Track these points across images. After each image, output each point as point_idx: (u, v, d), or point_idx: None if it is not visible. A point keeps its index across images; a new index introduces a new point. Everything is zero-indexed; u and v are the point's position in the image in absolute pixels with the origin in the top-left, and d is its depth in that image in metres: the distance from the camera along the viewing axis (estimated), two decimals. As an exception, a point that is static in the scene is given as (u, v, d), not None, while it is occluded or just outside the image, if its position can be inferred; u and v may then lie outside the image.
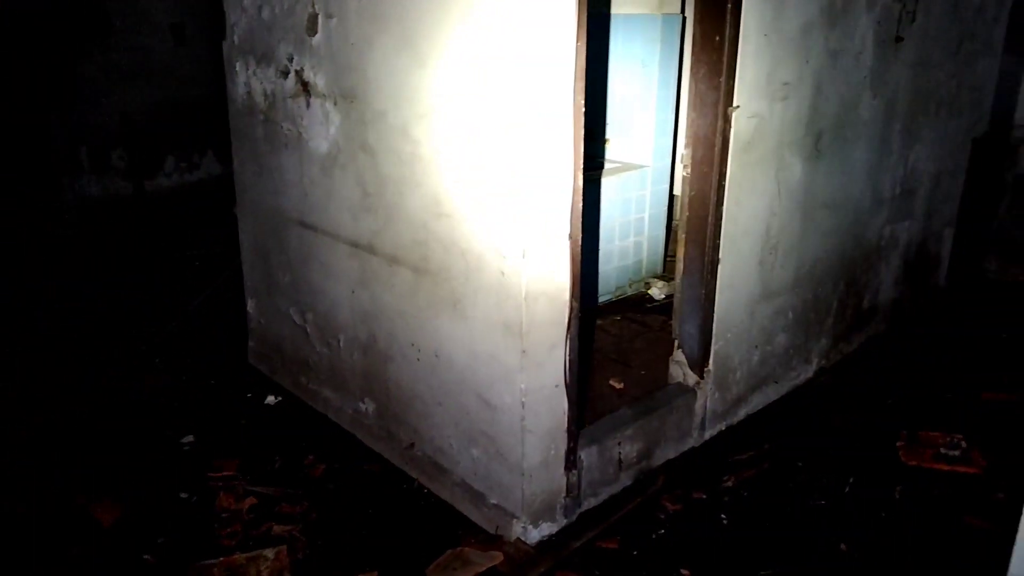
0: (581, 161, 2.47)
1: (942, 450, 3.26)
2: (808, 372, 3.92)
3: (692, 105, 3.07)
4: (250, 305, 4.02)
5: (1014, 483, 3.08)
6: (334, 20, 2.92)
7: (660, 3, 4.79)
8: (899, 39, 3.72)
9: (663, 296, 4.45)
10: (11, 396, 3.75)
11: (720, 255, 3.15)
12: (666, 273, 4.71)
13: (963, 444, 3.28)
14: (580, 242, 2.56)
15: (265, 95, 3.43)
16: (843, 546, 2.79)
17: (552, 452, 2.73)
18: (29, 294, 5.06)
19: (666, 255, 4.80)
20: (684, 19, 4.54)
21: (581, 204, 2.52)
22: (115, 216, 6.67)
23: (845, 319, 4.07)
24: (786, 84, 3.20)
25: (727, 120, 3.00)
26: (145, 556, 2.71)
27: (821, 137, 3.48)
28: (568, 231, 2.50)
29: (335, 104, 3.04)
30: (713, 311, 3.21)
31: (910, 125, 4.05)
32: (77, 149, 6.53)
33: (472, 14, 2.35)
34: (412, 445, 3.13)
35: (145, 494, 3.04)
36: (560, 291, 2.55)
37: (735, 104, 2.99)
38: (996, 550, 2.73)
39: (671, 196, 4.78)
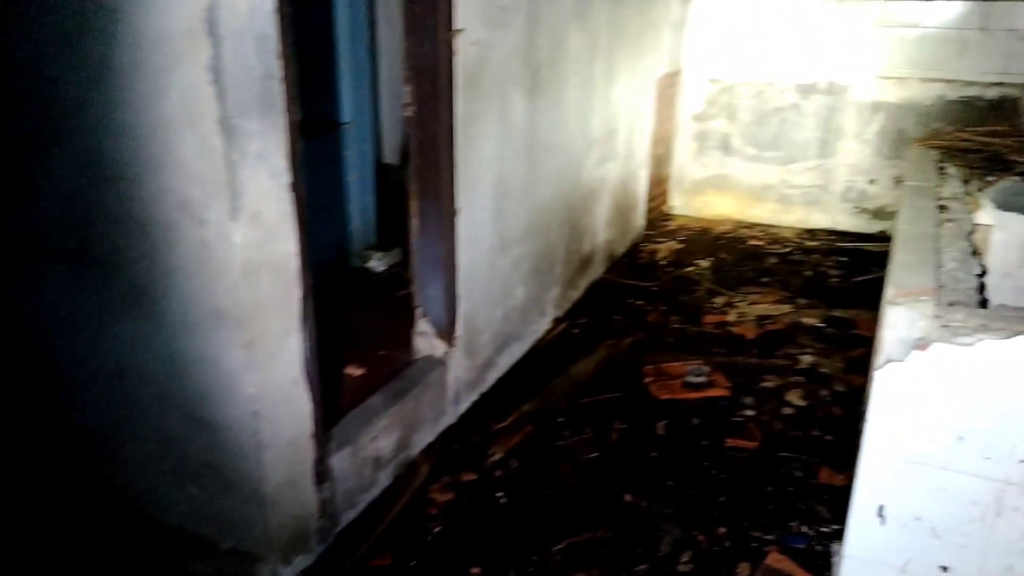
0: (293, 91, 1.89)
1: (689, 378, 3.25)
2: (544, 324, 3.74)
3: (408, 30, 2.61)
4: None
5: (756, 399, 3.16)
6: None
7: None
8: (594, -30, 3.61)
9: (384, 268, 3.98)
10: None
11: (458, 205, 2.77)
12: (382, 242, 4.23)
13: (705, 368, 3.30)
14: (305, 196, 1.99)
15: None
16: (628, 496, 2.61)
17: (298, 467, 2.15)
18: None
19: (379, 223, 4.31)
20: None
21: (300, 147, 1.95)
22: None
23: (572, 265, 3.96)
24: (504, 9, 2.88)
25: (451, 47, 2.60)
26: None
27: (539, 72, 3.24)
28: (289, 180, 1.91)
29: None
30: (456, 270, 2.83)
31: (611, 63, 4.01)
32: None
33: None
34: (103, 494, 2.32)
35: None
36: (287, 260, 1.97)
37: (458, 27, 2.60)
38: (761, 468, 2.75)
39: (378, 157, 4.30)
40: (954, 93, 4.78)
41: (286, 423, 2.08)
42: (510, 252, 3.24)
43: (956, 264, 1.54)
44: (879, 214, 5.19)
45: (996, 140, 2.44)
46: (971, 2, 4.56)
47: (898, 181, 5.04)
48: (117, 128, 1.83)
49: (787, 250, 4.97)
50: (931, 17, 4.68)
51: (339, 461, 2.34)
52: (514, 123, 3.10)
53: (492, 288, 3.13)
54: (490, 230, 3.04)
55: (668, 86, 5.19)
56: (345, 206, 4.14)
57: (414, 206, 2.77)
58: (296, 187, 1.93)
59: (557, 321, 3.82)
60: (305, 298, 2.04)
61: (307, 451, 2.18)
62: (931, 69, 4.78)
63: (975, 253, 1.68)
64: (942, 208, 1.90)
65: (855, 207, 5.26)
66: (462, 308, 2.91)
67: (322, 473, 2.25)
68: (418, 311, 2.90)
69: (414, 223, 2.80)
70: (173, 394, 2.05)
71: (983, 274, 1.68)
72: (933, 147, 2.46)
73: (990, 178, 2.27)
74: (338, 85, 3.98)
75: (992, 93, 4.67)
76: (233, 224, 1.77)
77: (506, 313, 3.30)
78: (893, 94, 4.93)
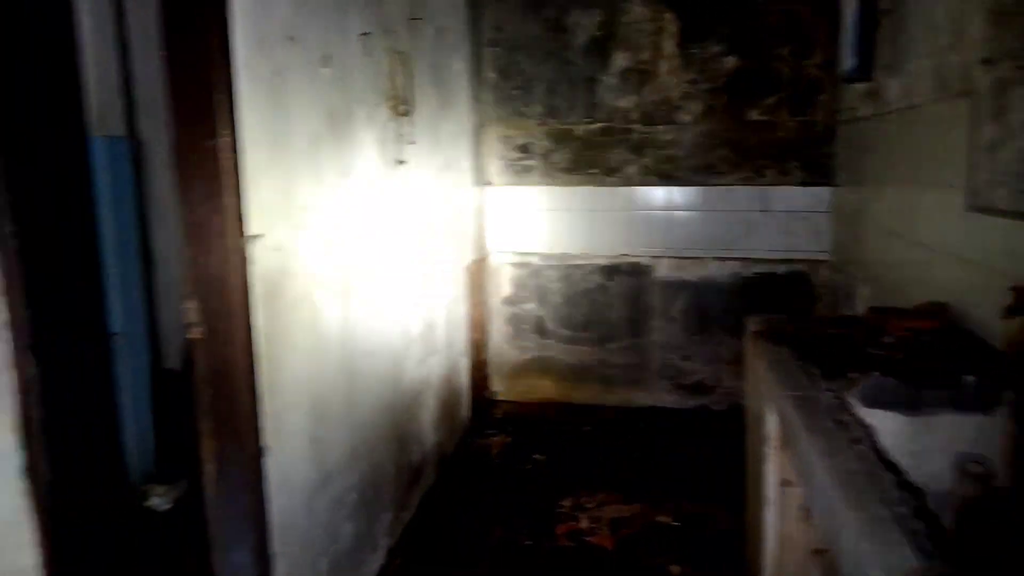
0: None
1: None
2: (377, 560, 3.14)
3: (189, 239, 2.15)
4: None
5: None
6: None
7: (100, 122, 3.69)
8: (401, 162, 3.39)
9: (169, 505, 3.23)
10: None
11: (265, 442, 2.23)
12: (165, 472, 3.49)
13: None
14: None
15: None
16: None
17: None
18: None
19: (160, 448, 3.58)
20: (139, 144, 3.58)
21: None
22: None
23: (403, 483, 3.44)
24: (306, 207, 2.52)
25: (245, 256, 2.17)
26: None
27: (352, 273, 2.87)
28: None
29: None
30: (268, 524, 2.25)
31: (423, 253, 3.75)
32: None
33: None
34: None
35: None
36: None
37: (254, 232, 2.18)
38: None
39: (162, 371, 3.64)
40: (747, 271, 5.01)
41: None
42: (332, 486, 2.69)
43: (903, 510, 1.28)
44: (697, 389, 5.20)
45: (845, 330, 2.37)
46: (753, 188, 4.90)
47: (728, 364, 5.07)
48: None
49: (618, 434, 4.77)
50: (716, 201, 4.95)
51: None
52: (329, 334, 2.66)
53: (314, 536, 2.55)
54: (307, 465, 2.50)
55: (477, 272, 5.03)
56: (118, 432, 3.42)
57: (208, 449, 2.20)
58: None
59: (392, 554, 3.23)
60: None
61: None
62: (725, 248, 5.00)
63: (899, 483, 1.45)
64: (839, 424, 1.69)
65: (672, 383, 5.25)
66: (280, 570, 2.30)
67: None
68: (218, 585, 2.25)
69: (209, 470, 2.21)
70: None
71: (922, 496, 1.45)
72: (778, 343, 2.33)
73: (852, 375, 2.14)
74: (105, 294, 3.37)
75: (782, 269, 4.95)
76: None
77: (333, 561, 2.70)
78: (693, 272, 5.09)
